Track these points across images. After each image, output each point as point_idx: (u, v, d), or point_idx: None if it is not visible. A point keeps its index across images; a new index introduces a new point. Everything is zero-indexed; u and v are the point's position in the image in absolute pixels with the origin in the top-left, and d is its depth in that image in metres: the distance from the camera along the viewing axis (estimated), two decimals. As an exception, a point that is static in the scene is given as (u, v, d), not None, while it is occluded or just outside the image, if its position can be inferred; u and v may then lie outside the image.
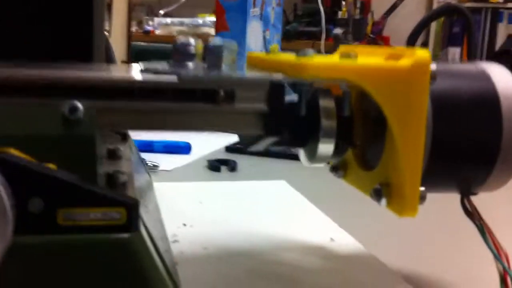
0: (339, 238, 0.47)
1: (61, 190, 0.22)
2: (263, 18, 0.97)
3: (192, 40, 0.29)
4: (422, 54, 0.29)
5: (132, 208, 0.24)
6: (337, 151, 0.33)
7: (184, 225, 0.48)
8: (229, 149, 0.82)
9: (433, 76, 0.30)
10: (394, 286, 0.39)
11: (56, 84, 0.26)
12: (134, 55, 1.42)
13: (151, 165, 0.70)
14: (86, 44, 0.37)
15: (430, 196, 0.35)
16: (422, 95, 0.29)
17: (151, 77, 0.27)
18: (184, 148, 0.80)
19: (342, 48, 0.35)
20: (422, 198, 0.31)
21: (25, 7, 0.36)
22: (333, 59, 0.29)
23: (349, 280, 0.39)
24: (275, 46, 0.34)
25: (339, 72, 0.28)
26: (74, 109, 0.24)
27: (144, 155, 0.70)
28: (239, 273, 0.39)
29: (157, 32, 2.39)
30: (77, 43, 0.37)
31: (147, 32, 2.37)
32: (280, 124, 0.30)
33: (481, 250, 0.35)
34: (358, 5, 2.72)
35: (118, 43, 1.40)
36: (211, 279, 0.38)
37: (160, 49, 1.56)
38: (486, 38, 3.16)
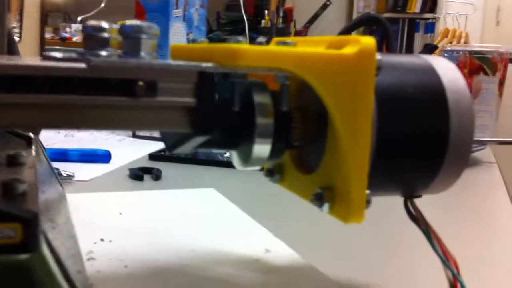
0: (275, 249, 0.43)
1: None
2: (186, 19, 0.93)
3: (104, 24, 0.25)
4: (367, 41, 0.26)
5: (30, 223, 0.19)
6: (274, 152, 0.30)
7: (102, 240, 0.43)
8: (153, 156, 0.77)
9: (379, 66, 0.27)
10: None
11: None
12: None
13: (65, 175, 0.63)
14: None
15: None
16: (368, 85, 0.26)
17: (53, 64, 0.22)
18: (103, 157, 0.74)
19: (276, 39, 0.31)
20: (368, 202, 0.28)
21: None
22: (270, 47, 0.26)
23: None
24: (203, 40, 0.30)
25: (277, 60, 0.25)
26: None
27: (57, 165, 0.64)
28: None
29: (75, 39, 2.29)
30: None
31: (63, 39, 2.26)
32: (210, 121, 0.26)
33: (426, 256, 0.33)
34: (281, 14, 2.74)
35: (30, 50, 1.32)
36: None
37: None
38: (404, 47, 3.27)
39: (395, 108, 0.29)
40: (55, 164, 0.50)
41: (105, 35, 0.25)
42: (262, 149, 0.29)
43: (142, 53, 0.25)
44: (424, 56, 0.32)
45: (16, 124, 0.23)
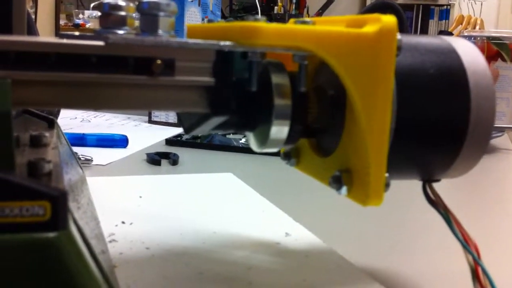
0: (295, 233, 0.43)
1: None
2: (202, 4, 0.93)
3: (121, 2, 0.24)
4: (388, 20, 0.25)
5: (58, 201, 0.19)
6: (292, 134, 0.29)
7: (123, 222, 0.43)
8: (170, 141, 0.77)
9: (399, 46, 0.26)
10: (358, 282, 0.35)
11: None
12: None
13: (83, 159, 0.64)
14: (4, 14, 0.31)
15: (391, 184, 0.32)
16: (388, 65, 0.26)
17: (71, 42, 0.22)
18: (120, 141, 0.74)
19: (294, 19, 0.31)
20: (386, 185, 0.28)
21: None
22: (289, 25, 0.25)
23: (310, 277, 0.35)
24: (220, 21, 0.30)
25: (295, 38, 0.24)
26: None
27: (75, 149, 0.64)
28: (188, 275, 0.34)
29: (88, 25, 2.29)
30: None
31: (77, 26, 2.26)
32: (228, 101, 0.26)
33: (448, 242, 0.32)
34: (294, 0, 2.72)
35: (45, 35, 1.32)
36: (155, 283, 0.33)
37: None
38: (418, 34, 3.24)
39: (415, 89, 0.29)
40: (73, 149, 0.51)
41: (122, 13, 0.24)
42: (280, 130, 0.28)
43: (160, 31, 0.24)
44: (445, 37, 0.31)
45: (33, 102, 0.23)
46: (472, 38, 0.98)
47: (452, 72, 0.29)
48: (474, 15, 2.42)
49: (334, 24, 0.28)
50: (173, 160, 0.66)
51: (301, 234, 0.43)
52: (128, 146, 0.74)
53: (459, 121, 0.29)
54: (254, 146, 0.31)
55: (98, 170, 0.62)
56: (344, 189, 0.28)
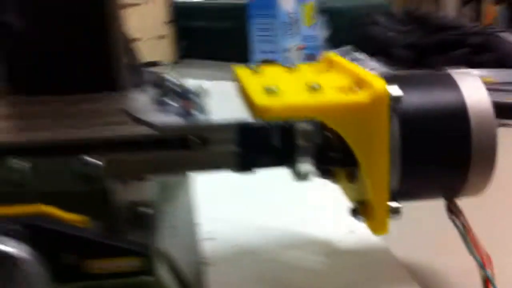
0: (359, 231, 0.45)
1: (85, 245, 0.28)
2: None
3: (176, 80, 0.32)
4: (379, 87, 0.30)
5: (145, 256, 0.29)
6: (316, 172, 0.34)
7: (218, 221, 0.48)
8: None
9: (397, 98, 0.31)
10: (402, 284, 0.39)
11: (68, 143, 0.30)
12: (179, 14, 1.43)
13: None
14: (106, 75, 0.38)
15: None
16: (382, 125, 0.31)
17: (131, 129, 0.30)
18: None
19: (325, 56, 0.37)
20: (396, 212, 0.33)
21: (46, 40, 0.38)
22: (295, 96, 0.31)
23: (361, 278, 0.39)
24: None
25: (301, 113, 0.30)
26: (88, 164, 0.29)
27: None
28: (276, 273, 0.40)
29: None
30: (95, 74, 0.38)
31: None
32: (254, 160, 0.32)
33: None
34: None
35: (158, 6, 1.41)
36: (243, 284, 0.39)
37: (206, 7, 1.52)
38: None
39: (418, 131, 0.33)
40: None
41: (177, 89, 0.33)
42: (305, 168, 0.33)
43: (194, 112, 0.31)
44: (450, 73, 0.35)
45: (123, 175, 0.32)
46: None
47: (454, 113, 0.33)
48: None
49: (338, 82, 0.33)
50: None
51: (364, 232, 0.43)
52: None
53: (460, 161, 0.33)
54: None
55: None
56: (360, 219, 0.34)
